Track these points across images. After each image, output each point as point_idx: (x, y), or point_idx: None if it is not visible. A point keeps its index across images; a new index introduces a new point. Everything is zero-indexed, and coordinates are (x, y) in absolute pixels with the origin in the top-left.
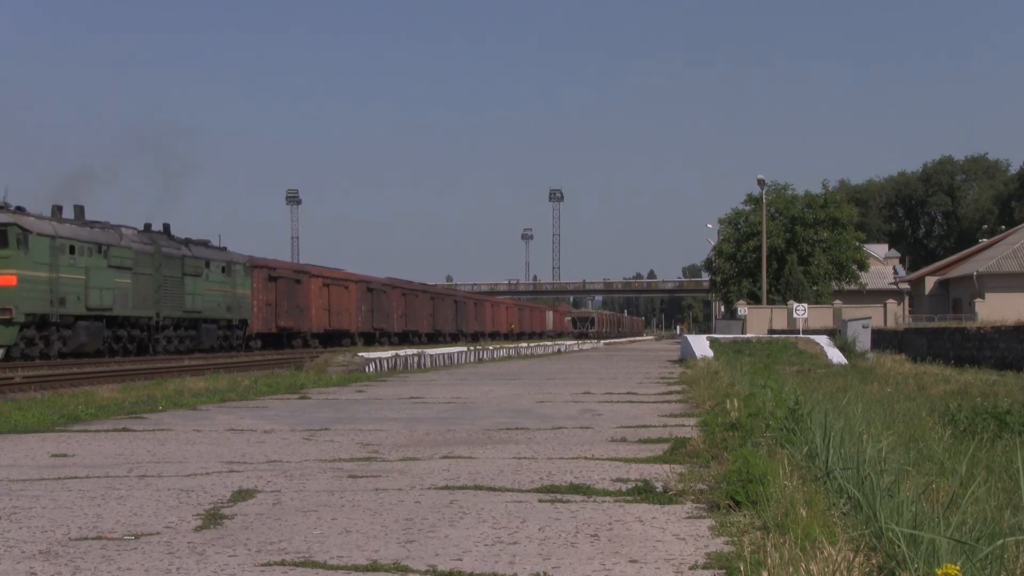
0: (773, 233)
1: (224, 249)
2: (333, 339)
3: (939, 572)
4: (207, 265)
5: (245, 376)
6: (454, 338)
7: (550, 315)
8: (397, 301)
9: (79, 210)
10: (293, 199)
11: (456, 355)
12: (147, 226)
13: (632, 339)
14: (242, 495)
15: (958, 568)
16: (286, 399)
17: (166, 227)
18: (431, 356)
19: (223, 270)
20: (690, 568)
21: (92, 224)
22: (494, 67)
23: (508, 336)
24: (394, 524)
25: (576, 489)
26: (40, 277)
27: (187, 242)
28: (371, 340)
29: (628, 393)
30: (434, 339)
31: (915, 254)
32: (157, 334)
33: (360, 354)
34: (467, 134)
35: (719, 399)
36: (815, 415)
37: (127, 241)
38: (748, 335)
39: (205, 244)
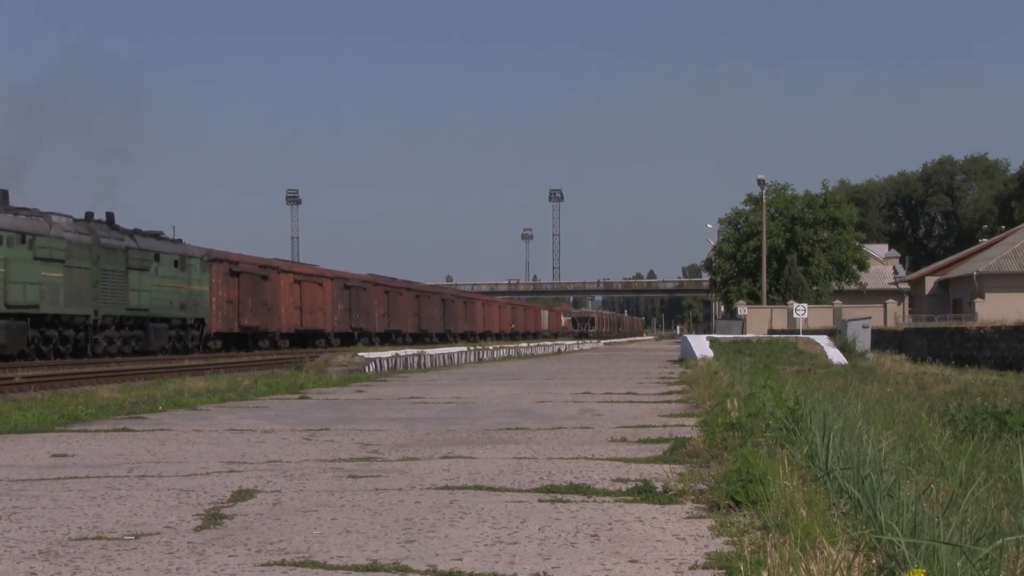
0: (773, 233)
1: (179, 241)
2: (305, 340)
3: None
4: (156, 258)
5: (245, 376)
6: (442, 339)
7: (545, 315)
8: (379, 299)
9: (1, 195)
10: (293, 199)
11: (456, 355)
12: (88, 215)
13: (632, 339)
14: (242, 495)
15: (924, 572)
16: (286, 399)
17: (110, 216)
18: (431, 356)
19: (176, 264)
20: (690, 568)
21: (16, 211)
22: (494, 67)
23: (500, 336)
24: (394, 524)
25: (576, 489)
26: None
27: (133, 233)
28: (349, 341)
29: (628, 393)
30: (419, 340)
31: (915, 254)
32: (96, 334)
33: (360, 354)
34: (467, 134)
35: (719, 399)
36: (815, 415)
37: (58, 230)
38: (748, 335)
39: (156, 236)
